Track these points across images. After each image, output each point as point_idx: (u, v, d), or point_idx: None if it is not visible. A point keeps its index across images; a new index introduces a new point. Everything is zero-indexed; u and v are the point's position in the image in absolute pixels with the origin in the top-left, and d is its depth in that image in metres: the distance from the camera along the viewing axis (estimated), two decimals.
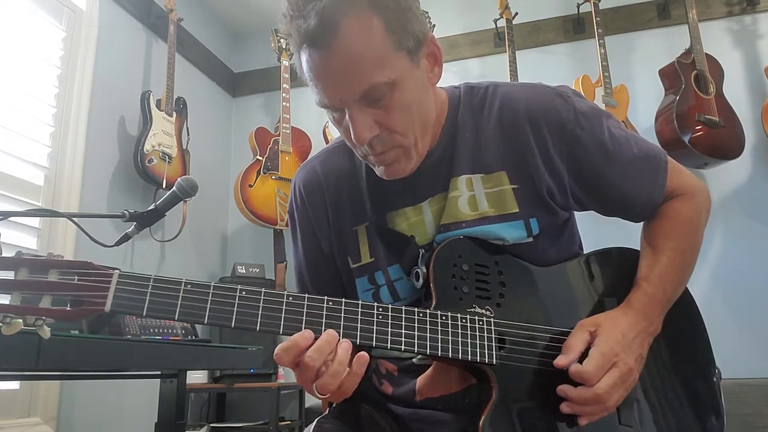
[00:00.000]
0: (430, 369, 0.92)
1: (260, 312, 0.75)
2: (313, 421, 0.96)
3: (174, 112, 2.82)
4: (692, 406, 0.94)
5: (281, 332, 0.76)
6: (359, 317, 0.78)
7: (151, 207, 1.27)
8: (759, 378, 2.33)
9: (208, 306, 0.74)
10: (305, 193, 1.02)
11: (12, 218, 1.53)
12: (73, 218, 1.26)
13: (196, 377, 2.85)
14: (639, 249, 1.00)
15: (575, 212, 1.03)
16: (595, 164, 0.93)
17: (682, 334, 0.97)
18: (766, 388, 2.26)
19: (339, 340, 0.75)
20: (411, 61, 0.83)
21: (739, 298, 2.69)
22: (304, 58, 0.81)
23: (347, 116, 0.83)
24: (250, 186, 3.05)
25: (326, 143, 3.19)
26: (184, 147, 2.88)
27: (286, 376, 2.98)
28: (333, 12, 0.77)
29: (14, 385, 2.09)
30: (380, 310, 0.79)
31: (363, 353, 0.75)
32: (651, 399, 0.91)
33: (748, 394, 2.24)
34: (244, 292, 0.76)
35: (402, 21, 0.81)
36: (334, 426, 0.95)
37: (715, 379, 0.97)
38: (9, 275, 0.73)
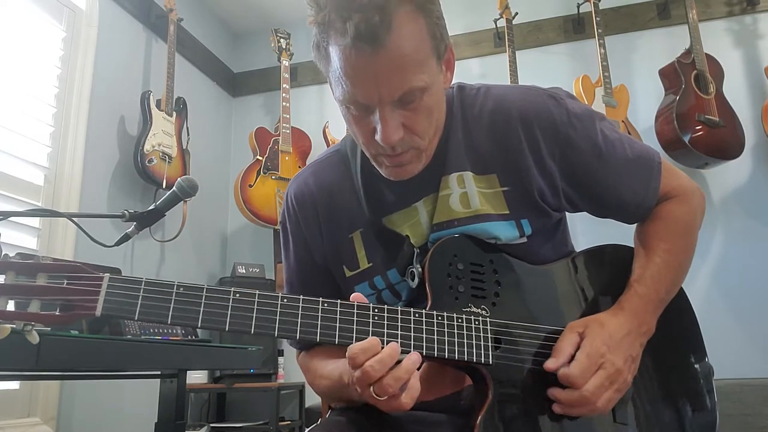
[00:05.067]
0: (424, 371, 0.91)
1: (254, 314, 0.75)
2: (312, 423, 0.96)
3: (174, 112, 2.82)
4: (685, 404, 0.94)
5: (276, 335, 0.75)
6: (355, 318, 0.78)
7: (151, 207, 1.27)
8: (759, 378, 2.33)
9: (202, 309, 0.73)
10: (297, 205, 1.02)
11: (12, 218, 1.53)
12: (73, 218, 1.26)
13: (196, 377, 2.85)
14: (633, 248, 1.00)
15: (568, 213, 1.03)
16: (588, 165, 0.93)
17: (674, 333, 0.97)
18: (766, 388, 2.26)
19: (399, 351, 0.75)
20: (438, 67, 0.85)
21: (740, 298, 2.69)
22: (345, 51, 0.77)
23: (376, 116, 0.81)
24: (250, 186, 3.05)
25: (326, 143, 3.20)
26: (184, 147, 2.88)
27: (286, 376, 2.98)
28: (390, 9, 0.75)
29: (14, 385, 2.08)
30: (376, 311, 0.79)
31: (415, 353, 0.76)
32: (645, 396, 0.91)
33: (748, 394, 2.24)
34: (238, 295, 0.75)
35: (438, 27, 0.83)
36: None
37: (708, 377, 0.98)
38: None
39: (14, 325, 0.72)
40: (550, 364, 0.83)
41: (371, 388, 0.73)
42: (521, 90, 0.97)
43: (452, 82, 0.99)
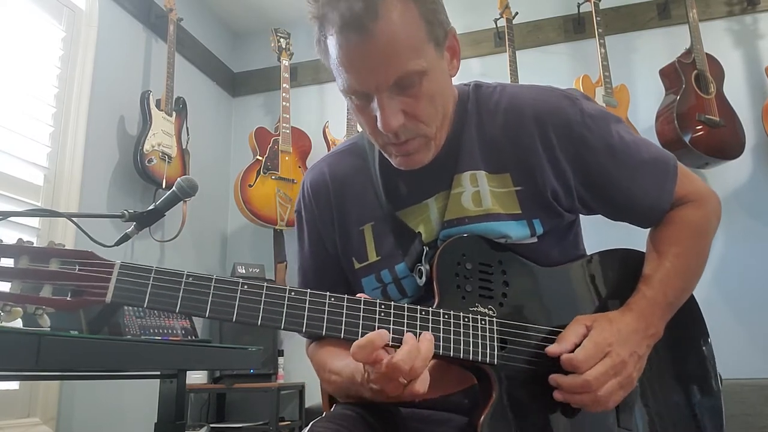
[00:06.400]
0: (429, 369, 0.91)
1: (262, 306, 0.75)
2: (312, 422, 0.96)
3: (174, 112, 2.81)
4: (692, 413, 0.93)
5: (282, 327, 0.75)
6: (361, 314, 0.77)
7: (151, 207, 1.27)
8: (759, 378, 2.32)
9: (210, 299, 0.74)
10: (312, 194, 1.03)
11: (12, 218, 1.53)
12: (73, 218, 1.26)
13: (196, 377, 2.85)
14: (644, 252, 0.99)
15: (582, 216, 1.02)
16: (602, 166, 0.93)
17: (683, 339, 0.97)
18: (766, 388, 2.26)
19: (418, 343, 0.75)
20: (437, 52, 0.85)
21: (740, 298, 2.69)
22: (337, 41, 0.80)
23: (375, 103, 0.82)
24: (250, 186, 3.05)
25: (326, 143, 3.19)
26: (184, 147, 2.88)
27: (286, 376, 2.98)
28: None
29: (14, 385, 2.08)
30: (383, 307, 0.79)
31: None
32: (651, 403, 0.90)
33: (748, 394, 2.23)
34: (246, 286, 0.75)
35: (433, 11, 0.83)
36: (328, 427, 0.94)
37: (716, 386, 0.96)
38: (10, 263, 0.72)
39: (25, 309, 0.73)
40: (552, 348, 0.83)
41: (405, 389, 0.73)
42: (536, 89, 0.97)
43: (467, 82, 1.00)
